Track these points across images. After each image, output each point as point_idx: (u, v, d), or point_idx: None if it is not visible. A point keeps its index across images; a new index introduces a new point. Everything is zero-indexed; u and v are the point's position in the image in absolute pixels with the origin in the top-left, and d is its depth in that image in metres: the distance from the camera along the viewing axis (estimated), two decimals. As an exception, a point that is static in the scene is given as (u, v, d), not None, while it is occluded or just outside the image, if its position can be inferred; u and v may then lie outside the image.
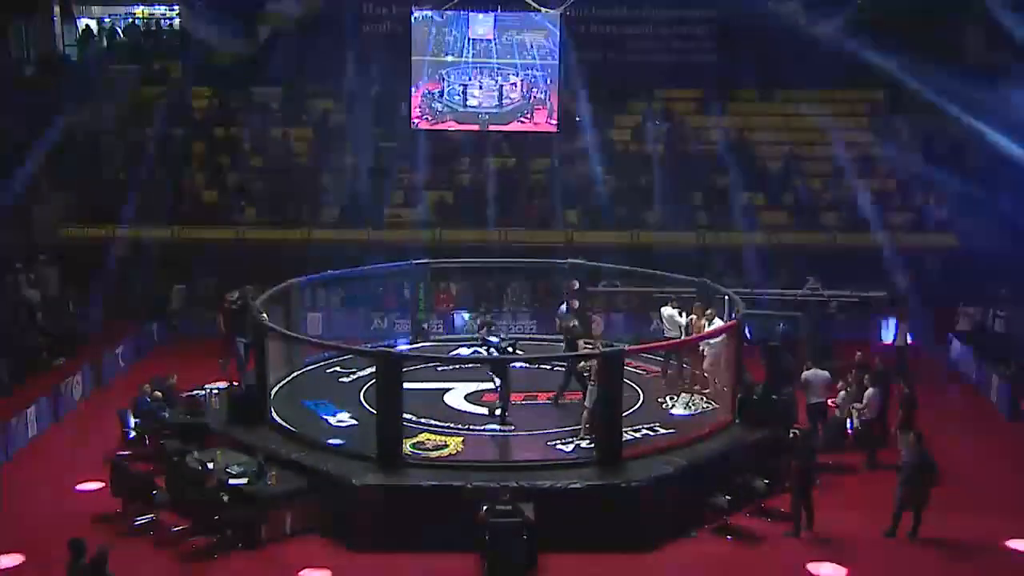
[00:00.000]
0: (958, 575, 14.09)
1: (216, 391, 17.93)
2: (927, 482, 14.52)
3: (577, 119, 29.23)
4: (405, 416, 15.10)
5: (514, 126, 26.28)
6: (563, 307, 20.03)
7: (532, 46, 25.49)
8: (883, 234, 26.37)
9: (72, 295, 25.70)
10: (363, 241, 26.29)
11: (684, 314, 18.46)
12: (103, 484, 15.37)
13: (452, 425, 16.28)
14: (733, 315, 17.66)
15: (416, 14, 25.32)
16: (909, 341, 22.04)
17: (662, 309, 19.03)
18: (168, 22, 32.66)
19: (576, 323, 18.56)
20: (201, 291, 26.07)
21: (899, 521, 14.50)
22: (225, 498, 14.25)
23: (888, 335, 23.39)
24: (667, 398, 17.65)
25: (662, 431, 16.14)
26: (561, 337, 18.54)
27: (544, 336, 21.66)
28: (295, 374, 18.80)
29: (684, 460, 15.01)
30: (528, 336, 22.20)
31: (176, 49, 31.66)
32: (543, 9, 24.85)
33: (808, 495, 14.64)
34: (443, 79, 25.72)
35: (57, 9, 32.05)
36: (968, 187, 26.76)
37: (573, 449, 15.34)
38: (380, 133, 29.01)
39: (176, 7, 32.30)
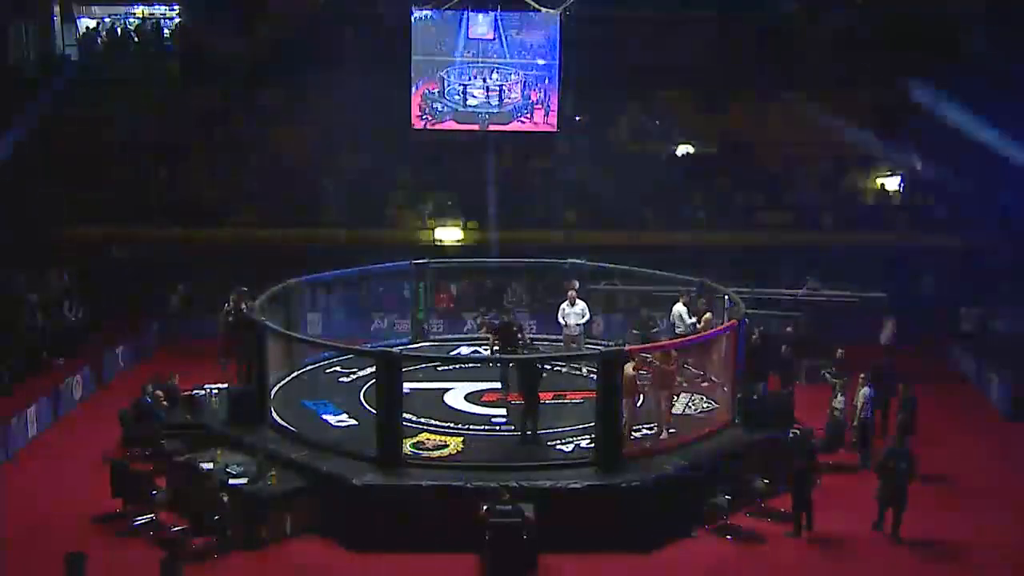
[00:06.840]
0: (957, 575, 14.09)
1: (216, 391, 17.92)
2: (902, 479, 14.47)
3: (577, 119, 29.19)
4: (405, 416, 15.11)
5: (514, 126, 26.20)
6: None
7: (532, 46, 25.46)
8: (883, 234, 26.33)
9: (72, 295, 25.67)
10: (363, 241, 26.28)
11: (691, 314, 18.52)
12: (103, 484, 15.36)
13: (452, 425, 16.28)
14: (734, 315, 17.64)
15: (416, 14, 25.25)
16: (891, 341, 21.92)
17: (674, 307, 19.03)
18: (168, 22, 32.60)
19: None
20: (201, 291, 26.05)
21: (884, 515, 14.56)
22: (225, 498, 14.25)
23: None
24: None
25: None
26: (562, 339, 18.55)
27: (546, 336, 21.61)
28: (295, 374, 18.79)
29: (684, 460, 15.01)
30: (529, 336, 22.12)
31: (176, 49, 31.64)
32: (543, 9, 24.83)
33: (808, 495, 14.64)
34: (443, 79, 25.70)
35: (57, 9, 32.01)
36: (968, 187, 26.73)
37: (573, 449, 15.34)
38: (380, 133, 28.97)
39: (176, 7, 32.28)
